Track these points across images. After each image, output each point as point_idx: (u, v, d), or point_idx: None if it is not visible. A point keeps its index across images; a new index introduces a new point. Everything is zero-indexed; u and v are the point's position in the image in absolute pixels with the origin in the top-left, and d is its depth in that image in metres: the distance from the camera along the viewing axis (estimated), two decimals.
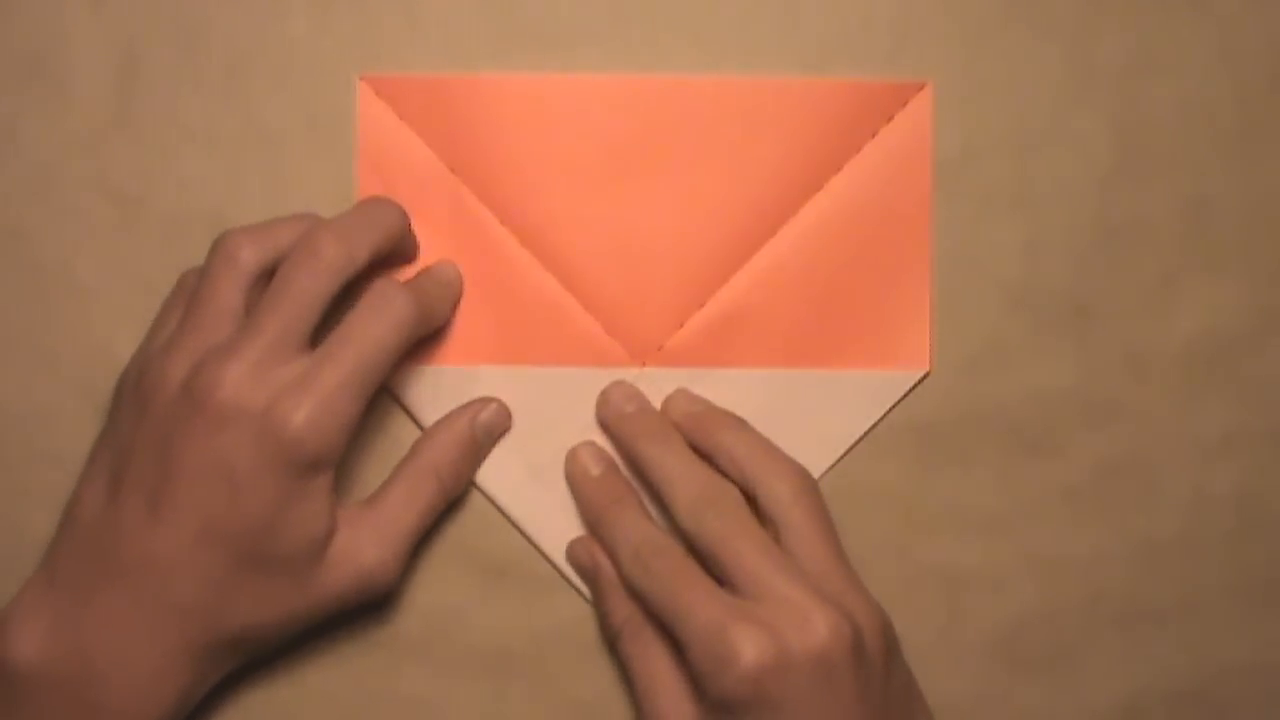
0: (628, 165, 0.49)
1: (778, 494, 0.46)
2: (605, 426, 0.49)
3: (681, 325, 0.50)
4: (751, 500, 0.46)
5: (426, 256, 0.49)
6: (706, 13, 0.49)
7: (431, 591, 0.50)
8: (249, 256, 0.45)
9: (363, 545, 0.46)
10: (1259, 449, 0.50)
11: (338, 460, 0.45)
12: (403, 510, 0.47)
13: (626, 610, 0.47)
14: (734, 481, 0.46)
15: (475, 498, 0.50)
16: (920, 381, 0.50)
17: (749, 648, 0.41)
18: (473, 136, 0.49)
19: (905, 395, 0.50)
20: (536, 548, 0.50)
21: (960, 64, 0.49)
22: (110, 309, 0.49)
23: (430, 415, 0.49)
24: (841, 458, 0.50)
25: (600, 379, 0.49)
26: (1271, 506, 0.50)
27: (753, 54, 0.49)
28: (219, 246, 0.45)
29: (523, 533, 0.50)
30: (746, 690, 0.41)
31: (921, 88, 0.49)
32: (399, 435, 0.50)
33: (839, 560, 0.45)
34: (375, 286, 0.45)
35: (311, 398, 0.43)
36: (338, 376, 0.44)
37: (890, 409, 0.50)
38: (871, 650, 0.43)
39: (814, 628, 0.42)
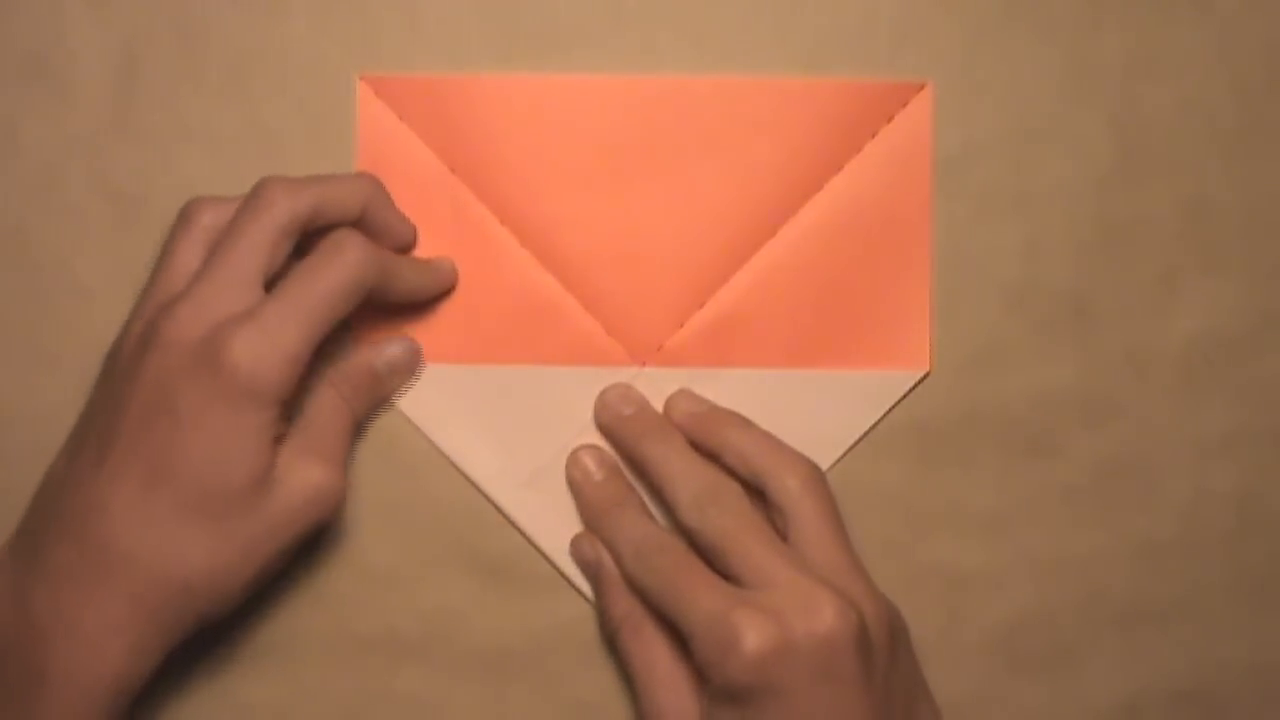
0: (627, 165, 0.49)
1: (787, 487, 0.46)
2: (604, 430, 0.49)
3: (681, 325, 0.50)
4: (758, 496, 0.46)
5: (426, 256, 0.49)
6: (706, 13, 0.49)
7: (431, 591, 0.50)
8: (208, 220, 0.46)
9: (306, 466, 0.45)
10: (1259, 449, 0.50)
11: (281, 398, 0.44)
12: (329, 425, 0.47)
13: (626, 605, 0.47)
14: (741, 478, 0.47)
15: (475, 498, 0.50)
16: (920, 381, 0.50)
17: (752, 633, 0.41)
18: (473, 136, 0.49)
19: (905, 395, 0.50)
20: (536, 548, 0.50)
21: (960, 64, 0.49)
22: (110, 309, 0.49)
23: (429, 415, 0.49)
24: (841, 458, 0.50)
25: (600, 379, 0.49)
26: (1271, 506, 0.50)
27: (753, 54, 0.49)
28: (180, 213, 0.46)
29: (523, 533, 0.50)
30: (750, 676, 0.41)
31: (921, 88, 0.49)
32: (398, 435, 0.50)
33: (847, 552, 0.46)
34: (332, 235, 0.46)
35: (252, 325, 0.43)
36: (280, 309, 0.44)
37: (890, 409, 0.50)
38: (876, 639, 0.43)
39: (819, 614, 0.42)
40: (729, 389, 0.49)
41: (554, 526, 0.50)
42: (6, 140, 0.50)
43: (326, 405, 0.47)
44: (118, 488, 0.43)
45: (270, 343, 0.43)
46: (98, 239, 0.50)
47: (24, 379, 0.50)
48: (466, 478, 0.50)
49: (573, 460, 0.49)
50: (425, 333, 0.49)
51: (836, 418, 0.50)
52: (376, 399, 0.49)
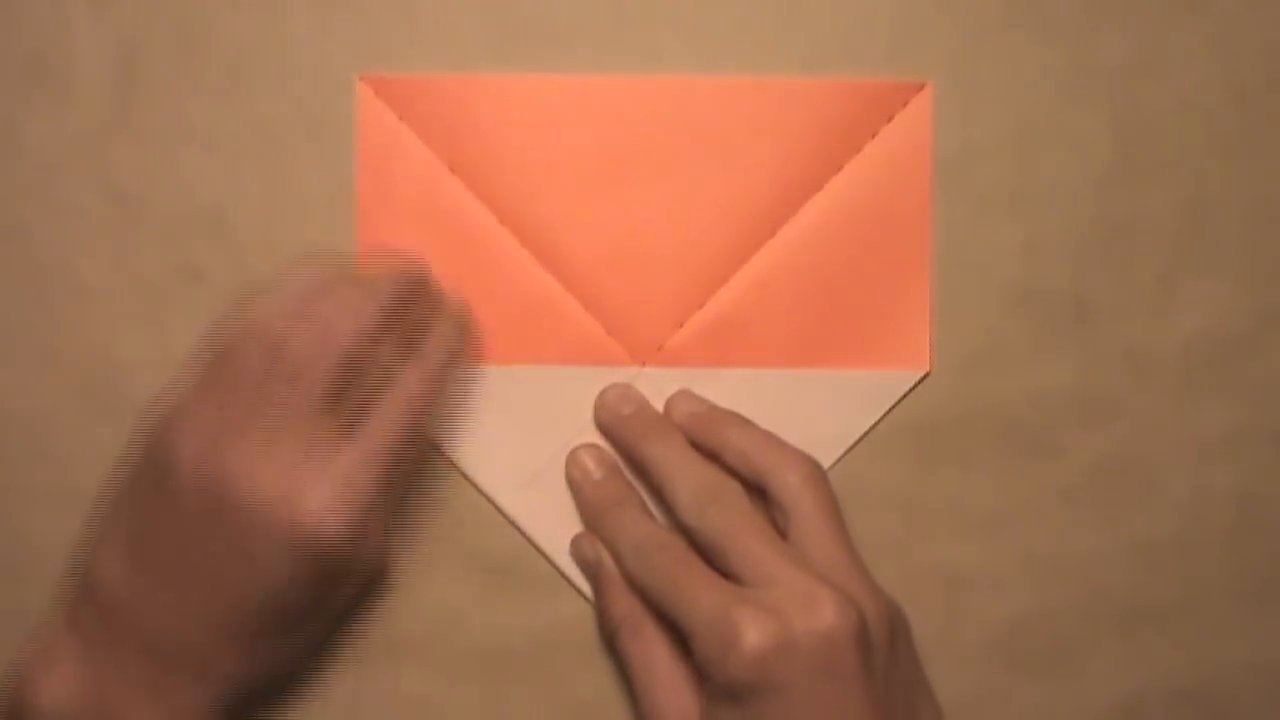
0: (628, 165, 0.49)
1: (788, 484, 0.46)
2: (603, 430, 0.49)
3: (682, 325, 0.50)
4: (759, 495, 0.46)
5: (427, 256, 0.49)
6: (706, 13, 0.49)
7: (431, 591, 0.50)
8: (277, 330, 0.44)
9: (367, 552, 0.46)
10: (1259, 449, 0.50)
11: (362, 544, 0.44)
12: (375, 495, 0.45)
13: (626, 605, 0.47)
14: (742, 477, 0.47)
15: (475, 498, 0.50)
16: (920, 381, 0.50)
17: (753, 631, 0.41)
18: (473, 136, 0.49)
19: (905, 395, 0.50)
20: (536, 548, 0.50)
21: (960, 64, 0.49)
22: (110, 309, 0.49)
23: None
24: (841, 458, 0.50)
25: (600, 379, 0.49)
26: (1271, 506, 0.50)
27: (753, 54, 0.49)
28: (236, 308, 0.45)
29: (523, 533, 0.50)
30: (750, 673, 0.41)
31: (921, 88, 0.49)
32: None
33: (847, 549, 0.46)
34: (401, 380, 0.45)
35: (325, 483, 0.43)
36: (353, 461, 0.44)
37: (890, 409, 0.50)
38: (876, 636, 0.43)
39: (819, 611, 0.42)
40: (729, 389, 0.49)
41: (554, 526, 0.50)
42: (6, 140, 0.50)
43: (376, 472, 0.46)
44: (202, 623, 0.44)
45: (344, 500, 0.43)
46: (98, 239, 0.50)
47: (24, 379, 0.50)
48: (466, 478, 0.50)
49: (572, 460, 0.49)
50: None
51: (836, 418, 0.50)
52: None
